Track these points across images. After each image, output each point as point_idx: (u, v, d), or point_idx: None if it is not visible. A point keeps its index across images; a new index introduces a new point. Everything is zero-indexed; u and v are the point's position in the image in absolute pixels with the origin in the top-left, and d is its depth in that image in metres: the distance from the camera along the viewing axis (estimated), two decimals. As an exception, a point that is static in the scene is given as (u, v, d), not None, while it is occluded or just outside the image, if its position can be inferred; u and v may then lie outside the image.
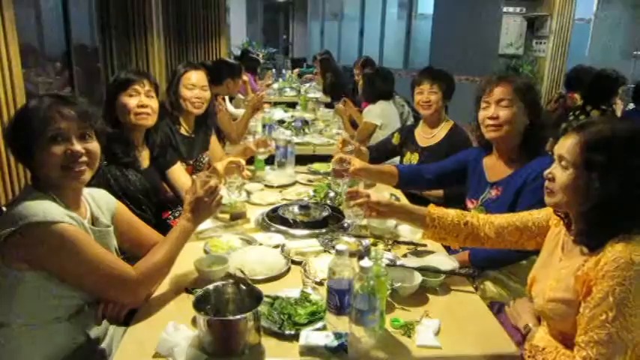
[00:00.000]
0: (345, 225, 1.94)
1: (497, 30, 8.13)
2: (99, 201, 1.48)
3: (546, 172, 1.27)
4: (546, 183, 1.27)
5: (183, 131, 2.46)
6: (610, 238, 1.14)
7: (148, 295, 1.39)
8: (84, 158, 1.29)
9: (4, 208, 1.74)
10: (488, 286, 1.84)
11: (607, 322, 1.07)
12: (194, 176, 1.61)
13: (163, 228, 2.20)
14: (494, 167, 1.94)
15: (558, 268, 1.28)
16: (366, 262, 1.16)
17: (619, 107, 3.73)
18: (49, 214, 1.20)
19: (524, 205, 1.72)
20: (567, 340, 1.21)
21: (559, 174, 1.22)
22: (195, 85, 2.41)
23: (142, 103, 1.91)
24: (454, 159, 2.17)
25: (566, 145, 1.21)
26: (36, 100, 1.30)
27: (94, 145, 1.34)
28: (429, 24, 9.75)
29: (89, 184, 1.40)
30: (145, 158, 2.03)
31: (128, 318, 1.37)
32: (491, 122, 1.83)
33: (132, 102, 1.90)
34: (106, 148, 1.67)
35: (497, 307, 1.61)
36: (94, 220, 1.43)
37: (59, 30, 3.80)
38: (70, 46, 3.81)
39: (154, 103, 1.95)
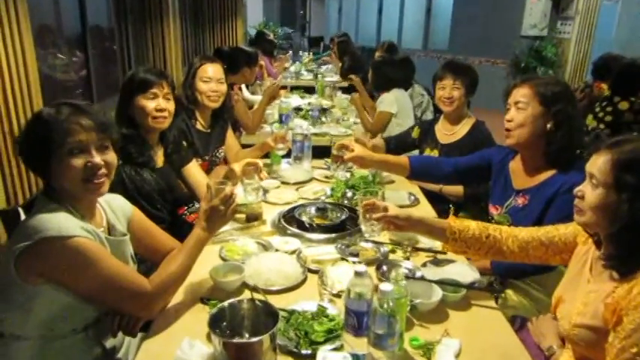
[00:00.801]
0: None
1: (520, 10, 7.89)
2: (115, 207, 1.46)
3: (576, 189, 1.22)
4: (576, 201, 1.22)
5: (199, 126, 2.43)
6: None
7: (163, 305, 1.37)
8: (103, 170, 1.28)
9: (20, 210, 1.73)
10: (510, 295, 1.79)
11: (638, 355, 1.04)
12: (208, 182, 1.58)
13: (179, 224, 2.21)
14: (522, 173, 1.86)
15: (586, 291, 1.23)
16: (386, 287, 1.12)
17: (648, 99, 3.59)
18: (65, 228, 1.18)
19: (554, 217, 1.65)
20: None
21: (589, 192, 1.18)
22: (211, 78, 2.37)
23: (160, 107, 1.87)
24: (479, 155, 2.09)
25: (597, 163, 1.16)
26: (52, 109, 1.26)
27: (112, 156, 1.32)
28: (449, 2, 9.50)
29: None
30: (159, 157, 2.01)
31: (143, 326, 1.37)
32: (506, 125, 1.78)
33: (150, 105, 1.86)
34: (121, 148, 1.65)
35: (519, 323, 1.57)
36: (110, 228, 1.41)
37: (75, 10, 3.75)
38: (85, 28, 3.77)
39: (171, 106, 1.92)
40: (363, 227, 1.63)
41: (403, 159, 2.11)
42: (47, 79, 3.03)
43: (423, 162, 2.17)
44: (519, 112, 1.74)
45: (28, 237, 1.16)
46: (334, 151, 2.08)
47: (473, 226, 1.51)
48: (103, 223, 1.39)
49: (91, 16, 3.91)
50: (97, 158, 1.26)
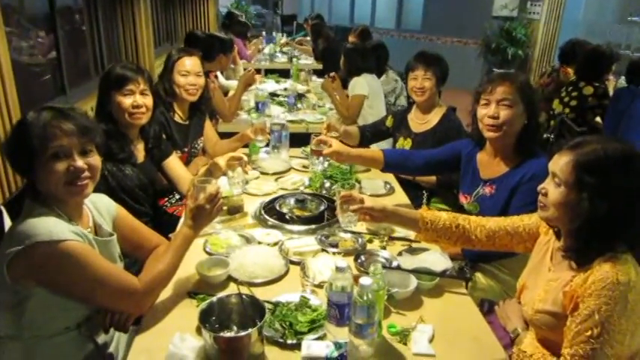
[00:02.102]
0: (341, 220, 1.98)
1: (492, -9, 7.98)
2: (100, 207, 1.49)
3: (540, 186, 1.31)
4: (540, 197, 1.31)
5: (177, 118, 2.45)
6: (598, 256, 1.20)
7: (152, 302, 1.43)
8: (86, 173, 1.30)
9: (2, 207, 1.75)
10: (479, 278, 1.91)
11: (592, 338, 1.14)
12: (193, 179, 1.62)
13: (159, 215, 2.25)
14: (489, 164, 1.97)
15: (547, 278, 1.34)
16: (366, 280, 1.21)
17: (611, 84, 3.75)
18: (55, 232, 1.22)
19: (518, 204, 1.79)
20: (553, 348, 1.29)
21: (552, 190, 1.27)
22: (189, 71, 2.38)
23: (136, 103, 1.89)
24: (447, 148, 2.19)
25: (559, 163, 1.25)
26: (35, 113, 1.28)
27: (96, 159, 1.34)
28: (422, -17, 9.50)
29: None
30: (140, 151, 2.03)
31: (134, 321, 1.42)
32: (491, 122, 1.84)
33: (126, 101, 1.88)
34: (102, 144, 1.70)
35: (487, 306, 1.68)
36: (97, 229, 1.45)
37: None
38: (53, 9, 3.66)
39: (148, 101, 1.93)
40: (340, 218, 1.71)
41: (377, 153, 2.19)
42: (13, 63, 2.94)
43: (396, 156, 2.26)
44: (506, 109, 1.81)
45: (19, 242, 1.19)
46: (312, 147, 2.17)
47: (444, 216, 1.61)
48: (90, 224, 1.42)
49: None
50: (80, 162, 1.28)
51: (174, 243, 1.46)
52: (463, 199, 2.04)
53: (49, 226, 1.22)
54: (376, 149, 2.32)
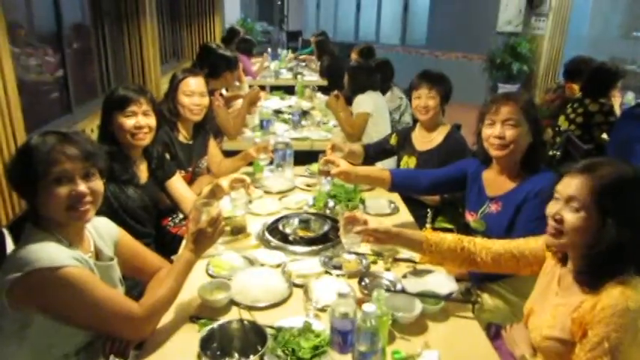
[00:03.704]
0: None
1: (496, 6, 8.03)
2: (101, 231, 1.48)
3: (552, 212, 1.27)
4: (552, 223, 1.27)
5: (181, 138, 2.45)
6: (609, 280, 1.18)
7: (153, 328, 1.41)
8: (88, 198, 1.30)
9: (4, 230, 1.74)
10: (486, 299, 1.88)
11: None
12: (195, 202, 1.60)
13: (163, 236, 2.24)
14: (495, 182, 1.96)
15: (555, 303, 1.31)
16: (369, 307, 1.19)
17: (617, 101, 3.73)
18: (55, 258, 1.21)
19: (524, 220, 1.79)
20: None
21: (569, 216, 1.23)
22: (194, 92, 2.39)
23: (138, 124, 1.89)
24: (453, 167, 2.19)
25: (573, 186, 1.22)
26: (39, 138, 1.28)
27: (98, 184, 1.34)
28: (426, -1, 9.57)
29: None
30: (143, 172, 2.02)
31: (135, 347, 1.40)
32: (497, 142, 1.85)
33: (128, 123, 1.88)
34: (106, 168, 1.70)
35: (494, 331, 1.65)
36: (98, 253, 1.44)
37: (46, 8, 3.65)
38: (61, 27, 3.70)
39: (151, 122, 1.94)
40: (343, 239, 1.69)
41: (385, 173, 2.18)
42: (20, 82, 2.95)
43: (402, 176, 2.24)
44: (511, 129, 1.82)
45: (19, 268, 1.18)
46: (320, 167, 2.16)
47: (448, 238, 1.59)
48: (91, 249, 1.41)
49: (65, 14, 3.81)
50: (82, 187, 1.28)
51: (176, 267, 1.45)
52: (469, 217, 2.02)
53: (49, 252, 1.22)
54: (383, 169, 2.31)
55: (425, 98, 2.58)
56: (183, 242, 1.60)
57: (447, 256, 1.58)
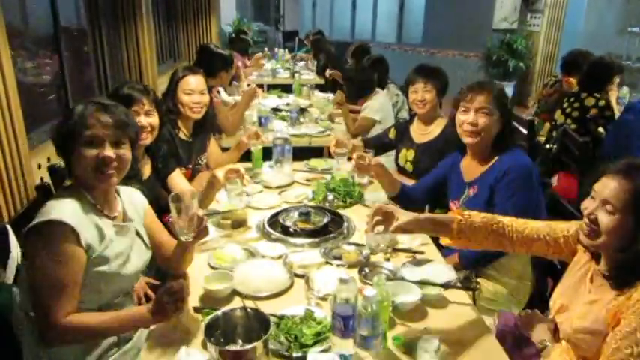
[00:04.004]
0: (345, 232, 1.99)
1: (491, 3, 8.05)
2: (136, 201, 1.61)
3: (587, 211, 1.27)
4: (587, 223, 1.26)
5: (182, 135, 2.47)
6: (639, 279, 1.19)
7: (62, 345, 1.38)
8: (114, 164, 1.39)
9: (8, 226, 1.77)
10: (483, 284, 1.91)
11: (632, 356, 1.12)
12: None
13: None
14: (470, 167, 2.06)
15: (586, 300, 1.31)
16: (370, 291, 1.21)
17: (613, 95, 3.75)
18: (58, 213, 1.30)
19: (501, 200, 1.88)
20: None
21: (604, 218, 1.22)
22: (193, 90, 2.41)
23: (141, 124, 1.91)
24: (434, 174, 2.28)
25: (611, 189, 1.21)
26: (82, 105, 1.40)
27: (126, 153, 1.44)
28: (422, -3, 9.60)
29: None
30: (145, 169, 2.04)
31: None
32: (470, 128, 1.94)
33: None
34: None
35: (502, 318, 1.65)
36: (124, 216, 1.53)
37: (42, 10, 3.66)
38: (58, 29, 3.72)
39: (154, 121, 1.96)
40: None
41: (399, 184, 2.25)
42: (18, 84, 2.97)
43: (407, 193, 2.25)
44: (484, 117, 1.92)
45: (37, 219, 1.30)
46: (358, 162, 2.17)
47: (477, 220, 1.52)
48: (119, 209, 1.51)
49: (61, 16, 3.82)
50: (109, 152, 1.38)
51: (124, 314, 1.39)
52: (452, 206, 2.09)
53: (60, 208, 1.32)
54: (401, 180, 2.35)
55: (421, 92, 2.62)
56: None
57: (475, 238, 1.51)
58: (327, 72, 5.08)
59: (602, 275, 1.28)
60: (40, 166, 2.40)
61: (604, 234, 1.22)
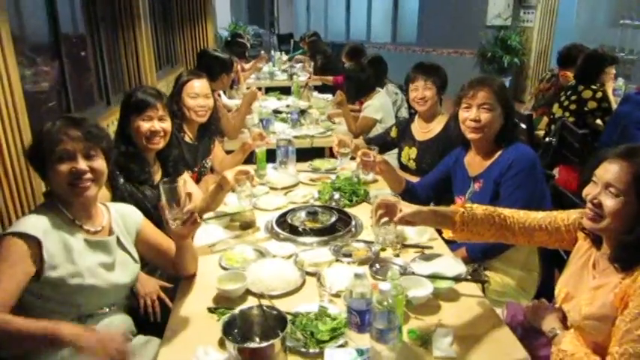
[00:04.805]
0: (353, 230, 2.01)
1: (484, 0, 8.10)
2: (125, 216, 1.62)
3: (590, 196, 1.28)
4: (591, 207, 1.28)
5: (187, 139, 2.49)
6: None
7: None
8: (88, 175, 1.42)
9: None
10: (492, 277, 1.94)
11: None
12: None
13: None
14: (474, 162, 2.08)
15: (592, 286, 1.32)
16: (385, 286, 1.23)
17: (610, 86, 3.78)
18: (24, 225, 1.35)
19: (507, 192, 1.90)
20: (597, 347, 1.28)
21: (608, 202, 1.24)
22: (198, 94, 2.42)
23: (154, 128, 1.93)
24: (437, 170, 2.30)
25: (613, 172, 1.23)
26: (50, 122, 1.44)
27: (100, 163, 1.45)
28: (416, -4, 9.65)
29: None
30: (157, 173, 2.06)
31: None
32: (473, 124, 1.97)
33: (144, 126, 1.92)
34: (124, 167, 1.85)
35: (511, 310, 1.68)
36: (110, 231, 1.55)
37: (39, 18, 3.66)
38: (58, 36, 3.72)
39: (167, 126, 1.97)
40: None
41: (404, 181, 2.27)
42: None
43: (412, 189, 2.27)
44: (486, 112, 1.95)
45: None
46: (363, 159, 2.18)
47: (479, 212, 1.54)
48: (103, 223, 1.53)
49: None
50: (82, 164, 1.41)
51: (41, 325, 1.25)
52: (458, 201, 2.10)
53: (29, 221, 1.37)
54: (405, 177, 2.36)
55: (422, 89, 2.64)
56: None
57: (478, 230, 1.53)
58: (310, 81, 5.13)
59: (607, 258, 1.30)
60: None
61: (608, 217, 1.24)
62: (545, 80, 4.53)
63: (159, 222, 2.06)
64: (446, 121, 2.69)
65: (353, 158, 2.56)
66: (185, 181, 1.60)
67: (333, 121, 4.00)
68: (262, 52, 7.95)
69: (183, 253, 1.63)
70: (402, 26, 10.46)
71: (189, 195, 1.51)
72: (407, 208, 1.52)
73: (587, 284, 1.34)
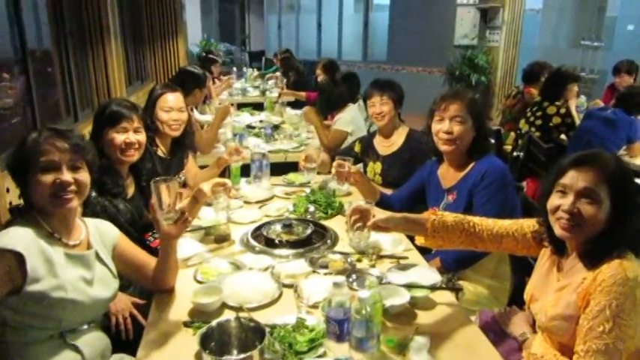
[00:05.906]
0: (329, 241, 2.01)
1: (452, 21, 8.35)
2: (103, 232, 1.58)
3: (565, 207, 1.28)
4: (567, 217, 1.28)
5: (160, 153, 2.45)
6: (607, 257, 1.25)
7: None
8: (72, 187, 1.38)
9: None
10: (467, 286, 1.97)
11: (604, 333, 1.18)
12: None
13: (144, 249, 2.22)
14: (447, 174, 2.13)
15: (558, 287, 1.36)
16: (364, 294, 1.23)
17: (573, 103, 3.95)
18: (3, 240, 1.27)
19: (480, 202, 1.95)
20: (564, 348, 1.32)
21: (588, 209, 1.26)
22: (172, 107, 2.41)
23: (129, 140, 1.90)
24: (412, 181, 2.34)
25: (586, 179, 1.26)
26: (35, 132, 1.39)
27: (84, 176, 1.43)
28: (386, 16, 9.87)
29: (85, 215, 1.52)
30: (130, 186, 2.02)
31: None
32: (445, 137, 2.01)
33: (119, 139, 1.89)
34: (96, 180, 1.76)
35: (484, 317, 1.71)
36: (88, 245, 1.51)
37: (2, 31, 3.57)
38: (25, 51, 3.63)
39: (142, 138, 1.95)
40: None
41: (379, 192, 2.35)
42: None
43: (385, 200, 2.33)
44: (458, 125, 1.99)
45: None
46: (334, 169, 2.23)
47: (449, 219, 1.60)
48: (81, 237, 1.48)
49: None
50: (67, 176, 1.37)
51: None
52: None
53: (9, 235, 1.30)
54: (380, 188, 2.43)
55: (379, 105, 2.70)
56: None
57: (449, 237, 1.58)
58: (282, 94, 5.20)
59: (575, 257, 1.33)
60: (8, 190, 2.33)
61: (590, 225, 1.27)
62: (512, 96, 4.69)
63: (133, 236, 2.03)
64: (407, 133, 2.75)
65: (319, 173, 2.61)
66: (179, 178, 1.56)
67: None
68: (234, 68, 7.96)
69: (167, 259, 1.60)
70: (372, 45, 10.66)
71: (180, 194, 1.50)
72: (380, 213, 1.58)
73: (553, 286, 1.39)
